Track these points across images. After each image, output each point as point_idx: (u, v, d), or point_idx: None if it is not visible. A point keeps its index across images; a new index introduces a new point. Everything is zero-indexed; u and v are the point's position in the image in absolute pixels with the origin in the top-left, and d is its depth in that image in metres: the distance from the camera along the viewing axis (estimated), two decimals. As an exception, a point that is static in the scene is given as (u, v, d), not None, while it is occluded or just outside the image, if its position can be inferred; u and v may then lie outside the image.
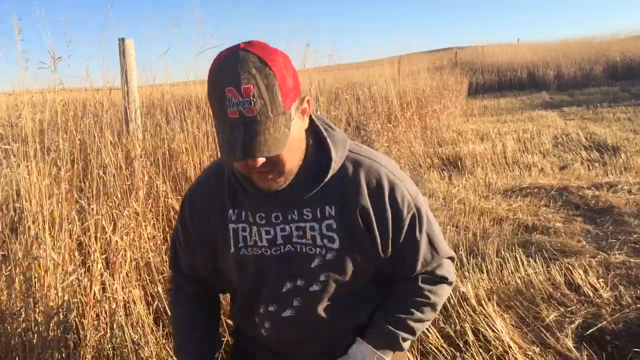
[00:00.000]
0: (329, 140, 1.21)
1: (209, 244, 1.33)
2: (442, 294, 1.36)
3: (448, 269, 1.36)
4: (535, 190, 4.32)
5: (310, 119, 1.21)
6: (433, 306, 1.34)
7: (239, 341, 1.55)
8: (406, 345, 1.34)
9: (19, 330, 1.78)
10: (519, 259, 2.64)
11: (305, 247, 1.25)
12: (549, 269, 2.59)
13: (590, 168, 5.02)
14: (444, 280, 1.35)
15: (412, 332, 1.32)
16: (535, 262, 2.63)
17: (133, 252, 2.21)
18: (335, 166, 1.21)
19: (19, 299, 1.79)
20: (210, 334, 1.42)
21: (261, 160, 1.07)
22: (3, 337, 1.76)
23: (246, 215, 1.26)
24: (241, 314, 1.39)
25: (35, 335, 1.77)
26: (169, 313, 1.53)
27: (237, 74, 1.00)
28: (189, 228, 1.35)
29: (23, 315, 1.79)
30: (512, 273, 2.54)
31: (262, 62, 1.03)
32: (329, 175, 1.20)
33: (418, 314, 1.32)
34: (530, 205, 3.91)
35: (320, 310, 1.29)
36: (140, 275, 2.23)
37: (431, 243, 1.31)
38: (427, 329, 2.02)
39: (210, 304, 1.47)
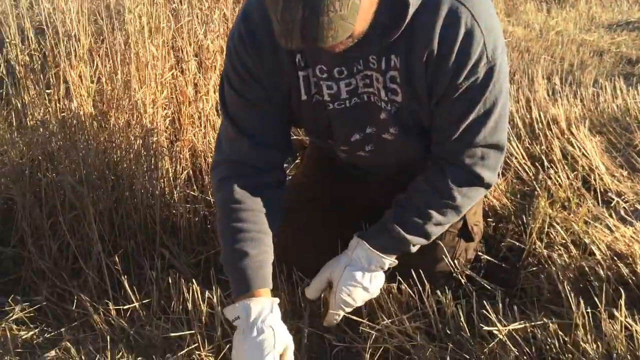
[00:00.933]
0: None
1: (277, 91, 1.17)
2: (472, 197, 1.22)
3: (489, 166, 1.19)
4: (644, 25, 3.94)
5: None
6: (457, 209, 1.21)
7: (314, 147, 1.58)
8: (415, 248, 1.25)
9: (121, 121, 1.93)
10: (618, 88, 2.49)
11: (373, 97, 1.16)
12: (649, 99, 2.44)
13: None
14: (478, 180, 1.19)
15: (427, 236, 1.23)
16: (636, 91, 2.47)
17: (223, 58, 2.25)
18: (411, 10, 1.02)
19: (122, 90, 1.90)
20: (265, 251, 1.20)
21: None
22: (111, 121, 1.92)
23: (312, 65, 1.13)
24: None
25: (138, 126, 1.90)
26: (217, 219, 1.28)
27: None
28: (252, 70, 1.14)
29: (126, 107, 1.92)
30: (608, 101, 2.41)
31: None
32: (403, 27, 1.03)
33: (438, 217, 1.20)
34: (637, 40, 3.60)
35: (395, 149, 1.24)
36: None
37: (485, 117, 1.13)
38: (513, 147, 2.01)
39: (268, 196, 1.22)
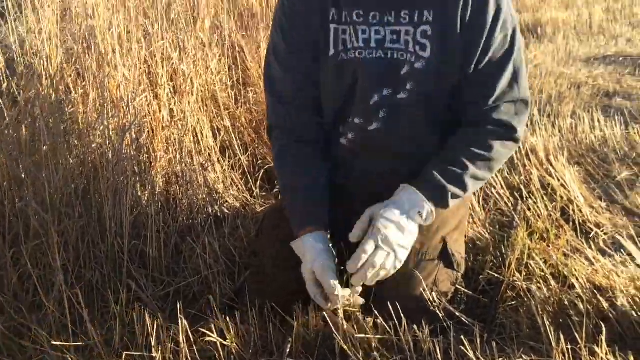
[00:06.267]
0: None
1: (310, 47, 1.28)
2: (504, 153, 1.29)
3: (520, 120, 1.27)
4: (621, 59, 4.01)
5: None
6: (490, 164, 1.27)
7: None
8: (452, 202, 1.27)
9: (94, 145, 1.87)
10: (596, 119, 2.50)
11: (397, 53, 1.23)
12: (627, 130, 2.45)
13: (686, 41, 4.57)
14: (513, 132, 1.26)
15: (464, 188, 1.26)
16: (614, 122, 2.48)
17: (200, 84, 2.22)
18: None
19: (94, 112, 1.85)
20: (318, 189, 1.35)
21: None
22: (81, 150, 1.86)
23: (346, 16, 1.23)
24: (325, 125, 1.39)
25: (110, 151, 1.84)
26: (275, 171, 1.53)
27: None
28: (289, 31, 1.30)
29: (98, 131, 1.86)
30: (586, 132, 2.42)
31: None
32: None
33: (473, 170, 1.25)
34: (613, 73, 3.65)
35: (404, 122, 1.28)
36: (206, 106, 2.25)
37: (515, 73, 1.24)
38: (492, 177, 1.99)
39: (314, 150, 1.38)
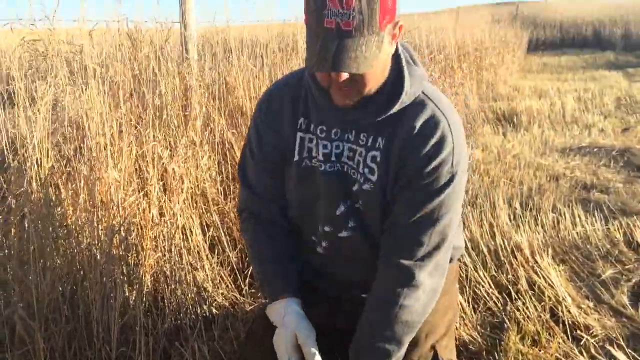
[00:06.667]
0: (406, 72, 1.20)
1: (279, 149, 1.33)
2: (408, 305, 1.22)
3: (421, 266, 1.22)
4: (595, 150, 4.16)
5: (396, 46, 1.20)
6: (397, 319, 1.22)
7: None
8: None
9: (83, 245, 1.86)
10: (576, 215, 2.57)
11: (350, 169, 1.28)
12: (607, 226, 2.51)
13: (655, 131, 4.79)
14: (410, 279, 1.22)
15: (384, 356, 1.22)
16: (594, 218, 2.55)
17: (190, 181, 2.25)
18: (405, 100, 1.21)
19: (83, 214, 1.85)
20: (291, 261, 1.36)
21: (345, 75, 1.08)
22: (69, 251, 1.84)
23: (314, 127, 1.29)
24: (298, 233, 1.41)
25: (98, 252, 1.84)
26: (246, 244, 1.52)
27: None
28: (263, 130, 1.34)
29: (87, 232, 1.86)
30: (568, 228, 2.47)
31: None
32: (396, 108, 1.21)
33: (386, 333, 1.22)
34: (589, 164, 3.78)
35: (371, 229, 1.30)
36: (196, 203, 2.27)
37: (435, 220, 1.20)
38: (480, 276, 2.01)
39: (284, 232, 1.39)
